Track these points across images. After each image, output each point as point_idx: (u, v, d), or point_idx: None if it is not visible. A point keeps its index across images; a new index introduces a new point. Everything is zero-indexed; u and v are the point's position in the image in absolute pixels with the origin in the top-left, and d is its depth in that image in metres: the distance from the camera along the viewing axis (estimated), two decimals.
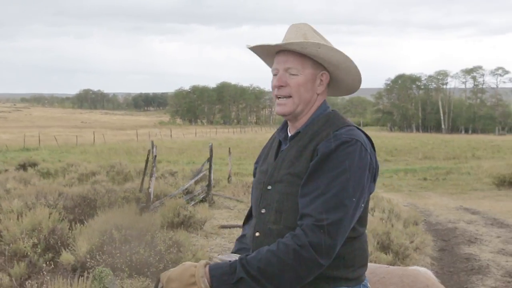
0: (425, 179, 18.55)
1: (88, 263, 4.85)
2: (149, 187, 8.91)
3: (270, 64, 1.72)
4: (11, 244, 5.29)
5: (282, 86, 1.62)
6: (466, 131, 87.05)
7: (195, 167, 16.32)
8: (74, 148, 31.01)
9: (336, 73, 1.66)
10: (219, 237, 7.76)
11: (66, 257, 5.01)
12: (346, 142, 1.51)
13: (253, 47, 1.67)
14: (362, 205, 1.54)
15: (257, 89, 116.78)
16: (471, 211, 10.95)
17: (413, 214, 9.05)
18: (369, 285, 1.68)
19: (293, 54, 1.60)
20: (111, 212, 6.76)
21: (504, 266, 6.30)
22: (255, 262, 1.44)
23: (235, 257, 1.55)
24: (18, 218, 5.82)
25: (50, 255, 5.30)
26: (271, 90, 1.69)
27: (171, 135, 52.42)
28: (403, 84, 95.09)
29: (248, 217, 1.84)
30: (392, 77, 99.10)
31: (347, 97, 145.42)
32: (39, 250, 5.35)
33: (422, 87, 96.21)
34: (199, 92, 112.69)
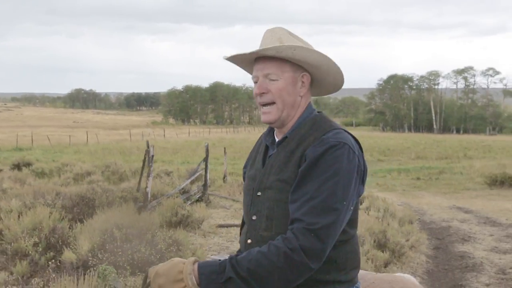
0: (418, 178, 18.72)
1: (90, 261, 4.90)
2: (146, 187, 8.96)
3: (251, 71, 1.69)
4: (12, 243, 5.33)
5: (263, 93, 1.60)
6: (458, 131, 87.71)
7: (190, 167, 16.37)
8: (67, 148, 30.88)
9: (316, 73, 1.65)
10: (217, 236, 7.83)
11: (68, 255, 5.06)
12: (334, 146, 1.51)
13: (230, 58, 1.66)
14: (352, 207, 1.54)
15: (250, 89, 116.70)
16: (464, 210, 11.09)
17: (408, 213, 9.17)
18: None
19: (270, 60, 1.59)
20: (110, 211, 6.80)
21: (498, 264, 6.42)
22: (245, 263, 1.44)
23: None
24: (18, 218, 5.85)
25: (52, 253, 5.34)
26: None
27: (164, 135, 52.33)
28: (395, 84, 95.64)
29: (244, 224, 1.81)
30: (385, 77, 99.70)
31: (339, 97, 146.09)
32: (40, 249, 5.39)
33: (414, 87, 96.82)
34: (192, 92, 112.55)
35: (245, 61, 1.67)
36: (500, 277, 5.83)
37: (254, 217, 1.62)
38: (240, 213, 9.25)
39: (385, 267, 5.79)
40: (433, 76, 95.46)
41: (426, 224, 9.32)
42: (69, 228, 6.01)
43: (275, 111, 1.60)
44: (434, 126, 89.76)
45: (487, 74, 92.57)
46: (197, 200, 10.84)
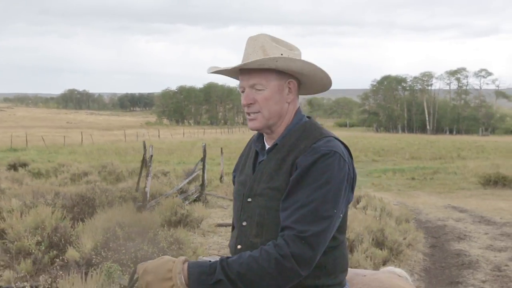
0: (413, 178, 18.87)
1: (94, 259, 4.96)
2: (145, 187, 9.02)
3: (238, 78, 1.69)
4: (15, 242, 5.38)
5: (250, 103, 1.61)
6: (451, 132, 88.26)
7: (186, 167, 16.42)
8: (62, 149, 30.80)
9: (303, 78, 1.66)
10: (216, 235, 7.90)
11: (72, 253, 5.12)
12: (325, 154, 1.52)
13: (214, 72, 1.67)
14: (341, 215, 1.55)
15: None
16: (459, 209, 11.23)
17: (404, 212, 9.28)
18: None
19: (255, 70, 1.59)
20: (110, 210, 6.86)
21: (493, 261, 6.54)
22: (235, 266, 1.43)
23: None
24: (21, 217, 5.90)
25: (55, 252, 5.40)
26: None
27: (159, 136, 52.27)
28: (389, 85, 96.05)
29: (233, 228, 1.80)
30: (378, 78, 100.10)
31: (333, 98, 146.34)
32: (43, 248, 5.44)
33: (408, 88, 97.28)
34: (186, 93, 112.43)
35: (231, 71, 1.67)
36: (496, 274, 5.95)
37: (244, 223, 1.63)
38: None
39: (383, 264, 5.89)
40: (427, 77, 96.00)
41: (422, 223, 9.44)
42: (71, 227, 6.07)
43: (260, 118, 1.62)
44: (428, 127, 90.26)
45: (479, 75, 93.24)
46: (195, 200, 10.91)
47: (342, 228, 1.60)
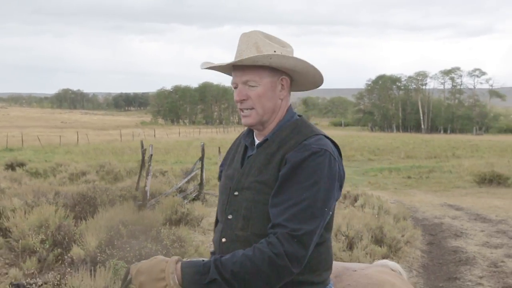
0: (409, 177, 19.02)
1: (99, 257, 5.02)
2: (145, 186, 9.09)
3: (231, 74, 1.70)
4: (20, 240, 5.44)
5: (243, 100, 1.62)
6: (445, 131, 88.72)
7: (183, 167, 16.48)
8: (58, 148, 30.75)
9: (295, 75, 1.66)
10: None
11: (77, 251, 5.18)
12: (316, 152, 1.52)
13: (208, 68, 1.68)
14: (330, 212, 1.56)
15: None
16: (455, 207, 11.36)
17: (402, 210, 9.40)
18: None
19: (248, 67, 1.60)
20: (112, 209, 6.93)
21: (489, 257, 6.65)
22: (229, 265, 1.44)
23: None
24: (24, 215, 5.96)
25: (59, 250, 5.46)
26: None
27: (154, 135, 52.25)
28: (383, 84, 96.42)
29: (217, 223, 1.80)
30: (373, 77, 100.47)
31: (328, 97, 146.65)
32: (47, 246, 5.50)
33: (402, 87, 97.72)
34: (181, 92, 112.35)
35: (224, 68, 1.68)
36: (493, 270, 6.06)
37: (230, 216, 1.62)
38: None
39: None
40: (421, 76, 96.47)
41: (419, 221, 9.55)
42: (74, 225, 6.14)
43: (254, 115, 1.62)
44: (422, 126, 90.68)
45: (473, 75, 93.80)
46: (194, 199, 10.99)
47: (328, 226, 1.60)
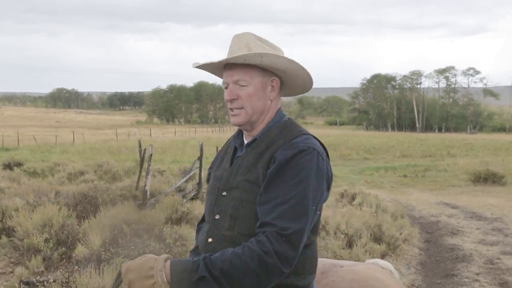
0: (405, 176, 19.14)
1: (103, 255, 5.10)
2: (145, 185, 9.15)
3: (221, 76, 1.71)
4: (24, 239, 5.50)
5: (234, 99, 1.63)
6: (440, 130, 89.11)
7: (181, 166, 16.55)
8: (54, 148, 30.68)
9: (286, 77, 1.67)
10: None
11: (81, 250, 5.25)
12: (303, 150, 1.52)
13: (200, 66, 1.68)
14: (318, 212, 1.56)
15: None
16: (451, 205, 11.50)
17: (399, 208, 9.51)
18: None
19: (239, 66, 1.60)
20: (114, 208, 7.00)
21: (486, 255, 6.78)
22: (218, 263, 1.43)
23: None
24: (28, 215, 6.02)
25: (63, 249, 5.53)
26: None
27: (150, 135, 52.21)
28: (378, 83, 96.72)
29: (200, 224, 1.80)
30: (368, 76, 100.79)
31: (323, 96, 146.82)
32: (51, 245, 5.56)
33: (397, 86, 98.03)
34: (176, 91, 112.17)
35: (215, 68, 1.69)
36: (489, 267, 6.19)
37: (217, 216, 1.62)
38: None
39: (381, 258, 6.10)
40: (416, 75, 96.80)
41: (416, 219, 9.67)
42: (77, 224, 6.20)
43: (244, 114, 1.63)
44: (417, 125, 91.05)
45: (467, 74, 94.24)
46: (192, 198, 11.06)
47: (315, 228, 1.60)
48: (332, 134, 55.03)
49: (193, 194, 11.31)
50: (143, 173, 9.93)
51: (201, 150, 12.23)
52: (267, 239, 1.44)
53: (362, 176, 19.11)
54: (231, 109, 1.65)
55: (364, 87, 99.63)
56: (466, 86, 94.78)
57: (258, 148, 1.62)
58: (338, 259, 6.03)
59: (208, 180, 1.80)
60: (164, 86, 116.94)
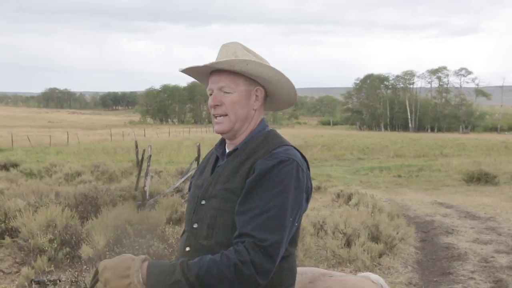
0: (399, 176, 19.31)
1: (108, 255, 5.19)
2: (144, 186, 9.24)
3: (207, 84, 1.71)
4: (29, 240, 5.58)
5: (217, 105, 1.63)
6: (432, 130, 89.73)
7: (177, 166, 16.62)
8: (48, 149, 30.58)
9: (270, 88, 1.67)
10: None
11: (86, 250, 5.34)
12: (283, 161, 1.52)
13: (185, 70, 1.68)
14: (296, 224, 1.55)
15: None
16: (445, 205, 11.66)
17: (395, 208, 9.65)
18: None
19: (225, 73, 1.61)
20: (115, 209, 7.08)
21: (480, 253, 6.93)
22: (195, 268, 1.42)
23: None
24: (32, 215, 6.09)
25: (67, 249, 5.61)
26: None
27: (144, 135, 52.14)
28: (371, 83, 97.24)
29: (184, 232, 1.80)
30: (361, 76, 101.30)
31: (316, 96, 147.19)
32: (55, 245, 5.65)
33: (390, 86, 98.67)
34: (170, 91, 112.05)
35: (201, 74, 1.70)
36: (483, 265, 6.34)
37: (195, 225, 1.62)
38: None
39: (379, 257, 6.25)
40: (408, 75, 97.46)
41: (411, 218, 9.82)
42: (81, 225, 6.28)
43: (227, 122, 1.63)
44: (410, 125, 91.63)
45: (459, 74, 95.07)
46: None
47: (294, 240, 1.59)
48: (326, 134, 55.24)
49: None
50: (142, 174, 10.01)
51: (199, 151, 12.34)
52: (245, 249, 1.44)
53: (357, 176, 19.26)
54: (215, 117, 1.66)
55: (357, 87, 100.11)
56: (458, 86, 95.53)
57: (239, 158, 1.62)
58: (337, 258, 6.18)
59: (190, 189, 1.81)
60: (157, 86, 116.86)
